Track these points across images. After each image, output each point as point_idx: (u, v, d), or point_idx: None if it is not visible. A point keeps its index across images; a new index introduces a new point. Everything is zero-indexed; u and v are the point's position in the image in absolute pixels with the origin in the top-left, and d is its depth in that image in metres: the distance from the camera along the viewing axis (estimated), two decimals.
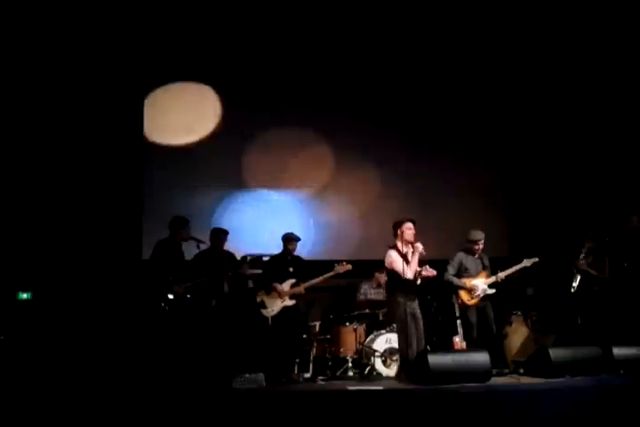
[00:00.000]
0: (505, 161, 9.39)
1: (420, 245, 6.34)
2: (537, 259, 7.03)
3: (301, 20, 8.66)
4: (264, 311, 6.83)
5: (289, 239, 7.05)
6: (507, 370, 6.73)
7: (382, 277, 7.86)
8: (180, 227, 6.68)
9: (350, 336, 7.16)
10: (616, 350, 6.11)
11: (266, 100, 8.59)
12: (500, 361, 6.86)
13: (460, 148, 9.18)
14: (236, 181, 8.45)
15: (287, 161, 8.63)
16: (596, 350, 6.15)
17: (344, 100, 8.86)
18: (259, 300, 6.88)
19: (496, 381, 5.97)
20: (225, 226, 7.17)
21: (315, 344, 7.32)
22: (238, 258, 7.17)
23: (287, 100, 8.67)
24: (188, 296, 6.44)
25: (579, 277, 7.05)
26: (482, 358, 5.85)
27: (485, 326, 6.91)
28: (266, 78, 8.63)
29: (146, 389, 5.49)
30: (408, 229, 6.42)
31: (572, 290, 7.05)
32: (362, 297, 7.86)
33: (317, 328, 7.55)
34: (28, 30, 7.73)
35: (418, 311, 6.40)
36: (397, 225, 6.49)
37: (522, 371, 6.53)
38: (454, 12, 8.81)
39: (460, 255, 7.06)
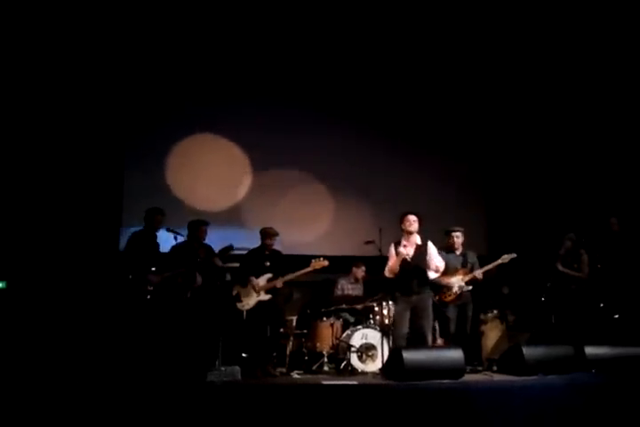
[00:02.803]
0: (485, 161, 9.46)
1: (403, 250, 6.35)
2: (515, 255, 7.10)
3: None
4: (239, 305, 6.81)
5: (266, 234, 7.02)
6: (480, 367, 6.82)
7: (359, 273, 7.91)
8: (155, 218, 6.61)
9: (327, 331, 7.18)
10: (588, 350, 6.17)
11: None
12: (475, 358, 6.95)
13: (441, 147, 9.23)
14: None
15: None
16: (569, 348, 6.20)
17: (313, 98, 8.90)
18: (234, 293, 6.87)
19: (470, 378, 6.01)
20: None
21: (291, 339, 7.35)
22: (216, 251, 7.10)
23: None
24: (163, 288, 6.39)
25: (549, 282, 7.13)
26: (456, 355, 5.88)
27: (462, 323, 6.99)
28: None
29: (119, 381, 5.45)
30: (406, 221, 6.47)
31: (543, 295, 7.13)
32: (339, 292, 7.89)
33: (294, 323, 7.56)
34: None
35: (420, 306, 6.32)
36: (400, 219, 6.55)
37: (495, 368, 6.59)
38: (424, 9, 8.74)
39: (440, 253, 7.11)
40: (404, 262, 6.37)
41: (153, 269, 6.42)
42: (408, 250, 6.39)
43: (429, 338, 6.37)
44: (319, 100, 8.90)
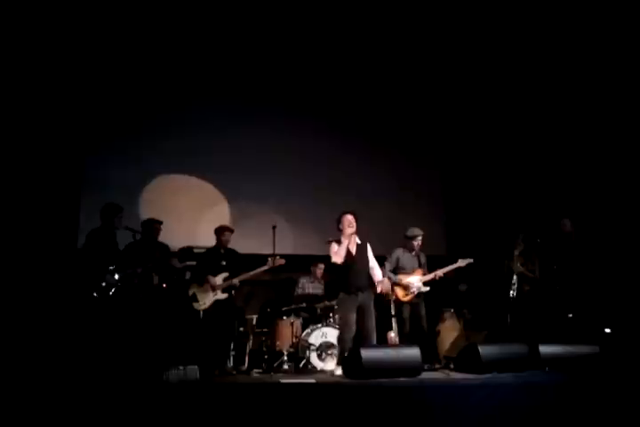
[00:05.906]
0: (444, 162, 9.57)
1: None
2: (471, 260, 7.21)
3: None
4: (195, 305, 6.78)
5: (221, 230, 6.96)
6: (438, 365, 6.90)
7: (318, 272, 7.95)
8: (113, 215, 6.44)
9: (287, 330, 7.21)
10: (542, 348, 6.29)
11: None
12: (432, 357, 7.04)
13: (400, 148, 9.31)
14: None
15: None
16: (524, 347, 6.32)
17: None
18: (191, 293, 6.84)
19: (427, 376, 6.07)
20: None
21: (251, 337, 7.36)
22: (174, 250, 7.02)
23: None
24: (120, 287, 6.29)
25: (515, 280, 7.23)
26: (413, 353, 5.94)
27: (417, 322, 7.05)
28: None
29: (76, 382, 5.37)
30: (345, 221, 6.43)
31: (512, 293, 7.18)
32: (300, 291, 7.91)
33: (254, 321, 7.55)
34: None
35: (366, 304, 6.31)
36: (338, 219, 6.50)
37: (452, 366, 6.68)
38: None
39: (398, 252, 7.20)
40: (348, 260, 6.33)
41: (111, 267, 6.33)
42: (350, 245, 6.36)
43: (375, 338, 6.33)
44: (269, 94, 8.91)
